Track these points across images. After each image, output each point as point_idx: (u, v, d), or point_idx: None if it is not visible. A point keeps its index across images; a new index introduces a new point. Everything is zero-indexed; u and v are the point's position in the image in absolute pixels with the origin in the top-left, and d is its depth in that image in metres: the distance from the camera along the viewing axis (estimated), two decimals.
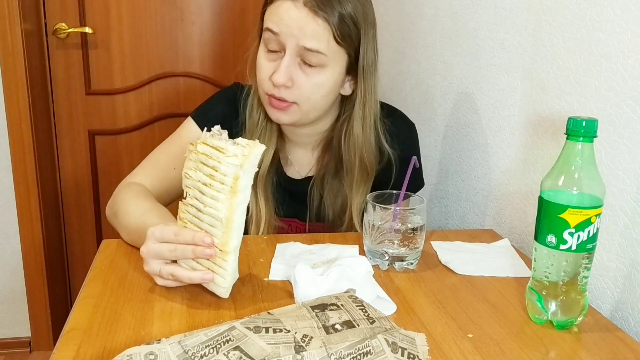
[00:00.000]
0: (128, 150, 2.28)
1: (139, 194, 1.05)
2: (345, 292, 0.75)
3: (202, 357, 0.60)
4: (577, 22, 0.92)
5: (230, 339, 0.62)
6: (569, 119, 0.71)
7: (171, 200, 1.14)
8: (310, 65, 1.01)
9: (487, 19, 1.20)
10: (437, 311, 0.79)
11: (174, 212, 0.88)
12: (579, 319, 0.76)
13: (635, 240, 0.81)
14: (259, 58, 1.05)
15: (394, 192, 0.97)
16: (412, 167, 0.95)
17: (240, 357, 0.60)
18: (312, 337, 0.63)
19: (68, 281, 2.38)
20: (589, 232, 0.71)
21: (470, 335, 0.73)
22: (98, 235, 2.33)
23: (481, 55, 1.22)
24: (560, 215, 0.71)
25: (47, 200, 2.14)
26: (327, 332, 0.65)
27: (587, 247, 0.72)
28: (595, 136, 0.71)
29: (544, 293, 0.75)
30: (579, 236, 0.71)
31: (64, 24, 2.11)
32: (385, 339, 0.64)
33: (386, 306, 0.78)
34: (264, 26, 1.02)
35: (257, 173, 0.76)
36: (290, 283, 0.82)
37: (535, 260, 0.76)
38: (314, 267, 0.84)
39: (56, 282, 2.25)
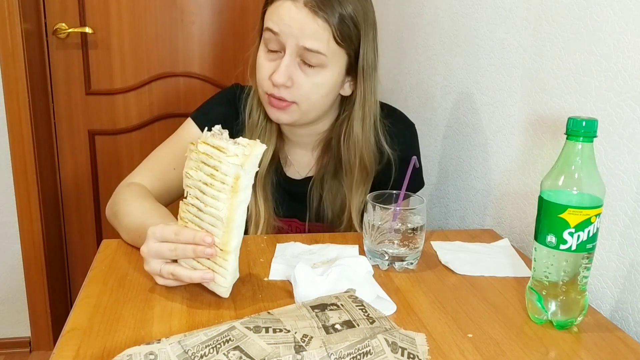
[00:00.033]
0: (128, 150, 2.28)
1: (139, 194, 1.05)
2: (345, 292, 0.76)
3: (202, 357, 0.60)
4: (577, 22, 0.92)
5: (230, 338, 0.62)
6: (569, 119, 0.72)
7: (171, 200, 1.14)
8: (310, 66, 1.01)
9: (487, 19, 1.20)
10: (437, 311, 0.79)
11: (175, 212, 0.88)
12: (579, 319, 0.76)
13: (635, 240, 0.81)
14: (259, 58, 1.05)
15: (394, 192, 0.97)
16: (412, 167, 0.95)
17: (240, 357, 0.60)
18: (312, 337, 0.63)
19: (68, 281, 2.38)
20: (589, 232, 0.71)
21: (470, 335, 0.73)
22: (98, 235, 2.33)
23: (481, 55, 1.22)
24: (560, 215, 0.71)
25: (47, 200, 2.14)
26: (327, 332, 0.65)
27: (587, 247, 0.72)
28: (595, 136, 0.71)
29: (544, 293, 0.75)
30: (579, 236, 0.71)
31: (64, 24, 2.11)
32: (385, 339, 0.64)
33: (386, 306, 0.78)
34: (264, 26, 1.02)
35: (256, 173, 0.77)
36: (290, 283, 0.82)
37: (535, 260, 0.76)
38: (314, 267, 0.84)
39: (56, 282, 2.25)
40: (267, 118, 1.10)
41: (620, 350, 0.72)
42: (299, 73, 1.02)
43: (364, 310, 0.70)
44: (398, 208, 0.91)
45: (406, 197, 0.96)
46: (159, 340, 0.62)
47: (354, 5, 1.00)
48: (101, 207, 2.31)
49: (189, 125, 1.15)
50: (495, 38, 1.17)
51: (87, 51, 2.16)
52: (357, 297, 0.74)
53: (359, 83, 1.07)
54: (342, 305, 0.71)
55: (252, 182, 0.75)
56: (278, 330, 0.64)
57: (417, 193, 1.01)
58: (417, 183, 1.20)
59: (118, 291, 0.82)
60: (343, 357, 0.61)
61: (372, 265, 0.87)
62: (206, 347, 0.61)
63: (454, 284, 0.88)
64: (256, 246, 0.99)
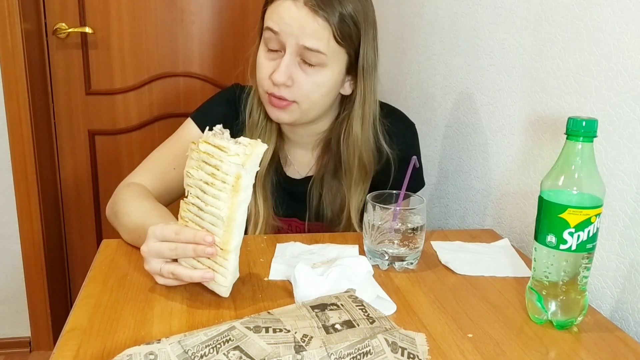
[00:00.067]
0: (128, 150, 2.28)
1: (139, 194, 1.05)
2: (345, 292, 0.76)
3: (202, 357, 0.60)
4: (577, 22, 0.92)
5: (230, 338, 0.62)
6: (569, 119, 0.72)
7: (171, 200, 1.14)
8: (310, 65, 1.01)
9: (487, 19, 1.20)
10: (437, 311, 0.79)
11: (175, 212, 0.88)
12: (579, 319, 0.76)
13: (635, 240, 0.81)
14: (259, 57, 1.05)
15: (394, 192, 0.97)
16: (412, 167, 0.95)
17: (240, 357, 0.60)
18: (312, 337, 0.63)
19: (68, 281, 2.38)
20: (589, 232, 0.71)
21: (470, 335, 0.73)
22: (98, 235, 2.33)
23: (481, 55, 1.22)
24: (560, 215, 0.71)
25: (47, 200, 2.14)
26: (327, 332, 0.65)
27: (587, 247, 0.72)
28: (595, 136, 0.71)
29: (544, 293, 0.75)
30: (579, 236, 0.71)
31: (64, 24, 2.11)
32: (385, 339, 0.64)
33: (386, 306, 0.78)
34: (265, 25, 1.03)
35: (257, 172, 0.77)
36: (290, 283, 0.82)
37: (535, 260, 0.76)
38: (314, 267, 0.84)
39: (56, 282, 2.25)
40: (268, 118, 1.10)
41: (620, 350, 0.72)
42: (299, 72, 1.02)
43: (364, 310, 0.70)
44: (398, 208, 0.91)
45: (406, 197, 0.96)
46: (159, 340, 0.62)
47: (354, 4, 1.00)
48: (101, 207, 2.31)
49: (189, 125, 1.15)
50: (495, 38, 1.17)
51: (87, 51, 2.16)
52: (357, 297, 0.74)
53: (359, 82, 1.07)
54: (342, 305, 0.71)
55: (253, 181, 0.76)
56: (278, 330, 0.64)
57: (417, 193, 1.01)
58: (417, 183, 1.20)
59: (118, 291, 0.82)
60: (343, 357, 0.61)
61: (372, 265, 0.87)
62: (206, 347, 0.61)
63: (454, 284, 0.88)
64: (256, 246, 0.99)
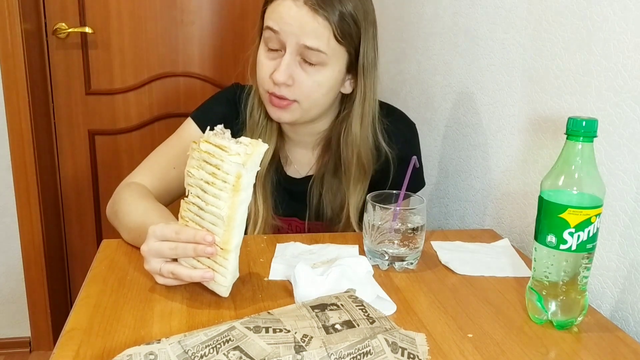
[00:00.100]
0: (128, 150, 2.28)
1: (139, 193, 1.05)
2: (345, 292, 0.76)
3: (202, 357, 0.60)
4: (577, 22, 0.92)
5: (230, 339, 0.62)
6: (569, 119, 0.71)
7: (171, 200, 1.14)
8: (310, 64, 1.01)
9: (487, 19, 1.20)
10: (437, 311, 0.79)
11: (175, 212, 0.88)
12: (579, 319, 0.76)
13: (635, 240, 0.81)
14: (260, 56, 1.05)
15: (394, 192, 0.97)
16: (412, 167, 0.95)
17: (240, 357, 0.60)
18: (312, 337, 0.63)
19: (68, 281, 2.38)
20: (589, 232, 0.71)
21: (470, 335, 0.73)
22: (98, 235, 2.33)
23: (481, 55, 1.22)
24: (560, 215, 0.71)
25: (47, 200, 2.14)
26: (327, 332, 0.65)
27: (587, 247, 0.72)
28: (595, 136, 0.71)
29: (544, 293, 0.75)
30: (579, 236, 0.71)
31: (64, 24, 2.11)
32: (385, 339, 0.64)
33: (386, 306, 0.78)
34: (265, 25, 1.03)
35: (257, 172, 0.77)
36: (290, 283, 0.82)
37: (535, 260, 0.76)
38: (314, 267, 0.84)
39: (56, 282, 2.25)
40: (268, 117, 1.10)
41: (620, 350, 0.72)
42: (300, 71, 1.02)
43: (364, 310, 0.70)
44: (398, 208, 0.91)
45: (406, 197, 0.96)
46: (159, 340, 0.62)
47: (354, 3, 1.00)
48: (101, 207, 2.31)
49: (189, 124, 1.15)
50: (495, 38, 1.17)
51: (87, 51, 2.16)
52: (357, 297, 0.74)
53: (359, 81, 1.07)
54: (342, 305, 0.71)
55: (254, 181, 0.76)
56: (278, 330, 0.64)
57: (417, 193, 1.01)
58: (417, 183, 1.20)
59: (118, 291, 0.82)
60: (343, 357, 0.61)
61: (372, 265, 0.87)
62: (206, 347, 0.61)
63: (454, 284, 0.88)
64: (256, 246, 0.99)
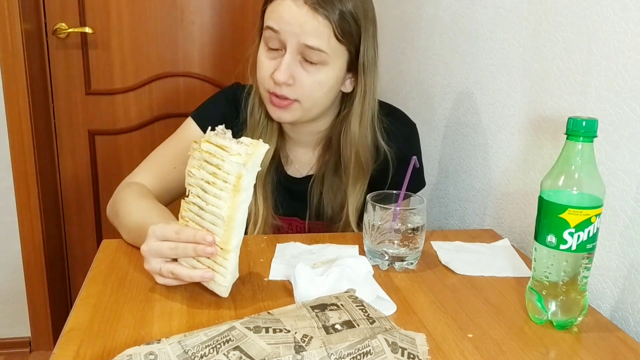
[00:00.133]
0: (128, 150, 2.28)
1: (139, 193, 1.05)
2: (345, 292, 0.76)
3: (202, 357, 0.60)
4: (577, 22, 0.92)
5: (230, 339, 0.62)
6: (569, 119, 0.71)
7: (172, 199, 1.14)
8: (311, 63, 1.01)
9: (487, 19, 1.20)
10: (437, 311, 0.79)
11: (175, 212, 0.88)
12: (579, 319, 0.76)
13: (635, 240, 0.81)
14: (260, 56, 1.05)
15: (394, 192, 0.97)
16: (412, 167, 0.95)
17: (240, 357, 0.60)
18: (312, 337, 0.63)
19: (68, 281, 2.38)
20: (589, 232, 0.71)
21: (470, 335, 0.73)
22: (98, 235, 2.33)
23: (481, 55, 1.22)
24: (560, 215, 0.71)
25: (47, 200, 2.14)
26: (327, 332, 0.65)
27: (587, 247, 0.72)
28: (595, 136, 0.71)
29: (544, 293, 0.75)
30: (579, 236, 0.71)
31: (64, 24, 2.11)
32: (385, 339, 0.64)
33: (386, 306, 0.78)
34: (265, 24, 1.02)
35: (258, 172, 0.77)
36: (290, 283, 0.82)
37: (535, 260, 0.76)
38: (314, 267, 0.84)
39: (56, 282, 2.25)
40: (269, 117, 1.10)
41: (620, 350, 0.72)
42: (300, 71, 1.02)
43: (364, 311, 0.70)
44: (398, 208, 0.91)
45: (406, 197, 0.96)
46: (159, 340, 0.62)
47: (353, 1, 1.00)
48: (101, 207, 2.31)
49: (190, 124, 1.15)
50: (495, 38, 1.17)
51: (87, 51, 2.16)
52: (357, 297, 0.74)
53: (360, 79, 1.07)
54: (342, 305, 0.71)
55: (254, 181, 0.76)
56: (278, 330, 0.64)
57: (418, 193, 1.01)
58: (417, 183, 1.20)
59: (118, 291, 0.82)
60: (343, 357, 0.61)
61: (372, 265, 0.87)
62: (206, 347, 0.61)
63: (454, 284, 0.88)
64: (256, 246, 0.99)
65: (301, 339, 0.63)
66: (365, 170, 1.12)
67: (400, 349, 0.64)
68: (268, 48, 1.03)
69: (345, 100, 1.12)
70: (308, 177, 1.18)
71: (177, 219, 0.83)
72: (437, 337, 0.72)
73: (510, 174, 1.13)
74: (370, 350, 0.62)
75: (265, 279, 0.87)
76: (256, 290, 0.83)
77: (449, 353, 0.69)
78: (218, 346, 0.61)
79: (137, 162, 1.16)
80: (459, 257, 0.96)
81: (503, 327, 0.76)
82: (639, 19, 0.80)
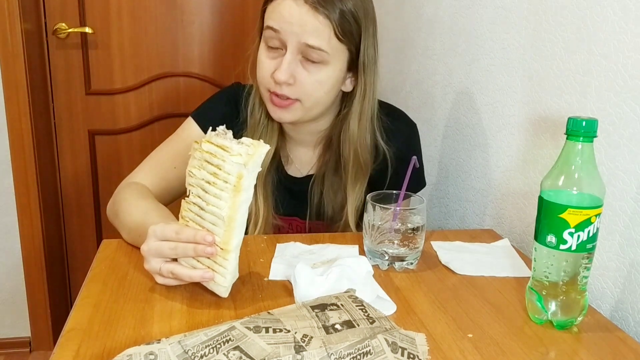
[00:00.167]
0: (128, 150, 2.28)
1: (139, 193, 1.05)
2: (345, 292, 0.76)
3: (202, 357, 0.60)
4: (577, 22, 0.92)
5: (230, 339, 0.62)
6: (569, 119, 0.72)
7: (172, 199, 1.14)
8: (312, 62, 1.01)
9: (487, 19, 1.20)
10: (437, 311, 0.79)
11: (175, 212, 0.88)
12: (579, 319, 0.76)
13: (635, 240, 0.81)
14: (260, 56, 1.05)
15: (394, 192, 0.97)
16: (412, 167, 0.95)
17: (240, 357, 0.60)
18: (312, 337, 0.63)
19: (68, 281, 2.38)
20: (589, 232, 0.71)
21: (470, 335, 0.73)
22: (98, 235, 2.34)
23: (481, 55, 1.22)
24: (560, 215, 0.71)
25: (47, 200, 2.14)
26: (327, 332, 0.65)
27: (587, 247, 0.72)
28: (595, 136, 0.71)
29: (544, 293, 0.75)
30: (579, 236, 0.71)
31: (64, 24, 2.11)
32: (385, 339, 0.64)
33: (386, 306, 0.78)
34: (265, 24, 1.02)
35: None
36: (290, 283, 0.82)
37: (535, 260, 0.76)
38: (314, 267, 0.84)
39: (56, 282, 2.25)
40: (269, 116, 1.10)
41: (620, 350, 0.72)
42: (301, 70, 1.02)
43: (364, 310, 0.70)
44: (398, 208, 0.91)
45: (406, 197, 0.96)
46: (159, 340, 0.62)
47: (354, 0, 1.00)
48: (101, 207, 2.31)
49: (190, 124, 1.15)
50: (495, 38, 1.17)
51: (87, 51, 2.16)
52: (357, 297, 0.74)
53: (360, 79, 1.07)
54: (342, 305, 0.71)
55: (255, 181, 0.76)
56: (278, 330, 0.64)
57: (418, 193, 1.01)
58: (417, 183, 1.20)
59: (118, 291, 0.82)
60: (343, 357, 0.61)
61: (372, 265, 0.86)
62: (206, 347, 0.61)
63: (454, 284, 0.88)
64: (256, 246, 0.99)
65: (301, 339, 0.63)
66: (364, 169, 1.12)
67: (400, 349, 0.64)
68: (268, 47, 1.03)
69: (345, 99, 1.12)
70: (308, 177, 1.18)
71: (177, 219, 0.83)
72: (437, 337, 0.72)
73: (510, 174, 1.13)
74: (370, 350, 0.62)
75: (265, 279, 0.87)
76: (256, 290, 0.83)
77: (448, 353, 0.69)
78: (218, 346, 0.61)
79: (137, 162, 1.16)
80: (459, 257, 0.96)
81: (503, 327, 0.76)
82: (639, 19, 0.80)
